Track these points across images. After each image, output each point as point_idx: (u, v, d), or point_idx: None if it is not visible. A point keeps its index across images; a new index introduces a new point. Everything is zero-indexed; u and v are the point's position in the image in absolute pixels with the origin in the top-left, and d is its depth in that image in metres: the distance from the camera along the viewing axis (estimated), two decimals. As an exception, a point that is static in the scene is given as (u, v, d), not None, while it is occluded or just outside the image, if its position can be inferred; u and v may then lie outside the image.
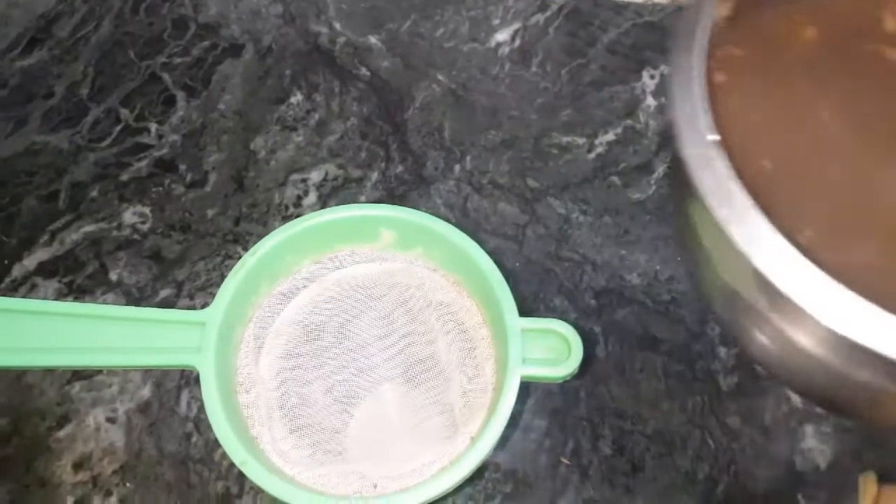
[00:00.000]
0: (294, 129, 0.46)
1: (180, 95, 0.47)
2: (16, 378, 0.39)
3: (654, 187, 0.43)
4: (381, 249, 0.37)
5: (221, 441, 0.30)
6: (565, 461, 0.37)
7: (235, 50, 0.49)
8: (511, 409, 0.31)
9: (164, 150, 0.46)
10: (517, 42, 0.49)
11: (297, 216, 0.43)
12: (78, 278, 0.42)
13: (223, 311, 0.32)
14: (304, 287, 0.36)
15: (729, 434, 0.37)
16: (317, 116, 0.47)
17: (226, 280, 0.33)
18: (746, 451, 0.37)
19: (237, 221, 0.44)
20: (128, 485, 0.37)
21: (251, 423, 0.32)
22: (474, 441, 0.31)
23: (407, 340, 0.35)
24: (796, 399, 0.37)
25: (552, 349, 0.33)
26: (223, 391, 0.31)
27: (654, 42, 0.48)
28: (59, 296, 0.42)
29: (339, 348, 0.35)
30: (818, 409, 0.37)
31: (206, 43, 0.49)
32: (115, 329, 0.31)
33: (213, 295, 0.41)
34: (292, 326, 0.35)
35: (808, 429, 0.37)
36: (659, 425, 0.37)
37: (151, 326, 0.32)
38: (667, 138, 0.44)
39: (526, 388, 0.35)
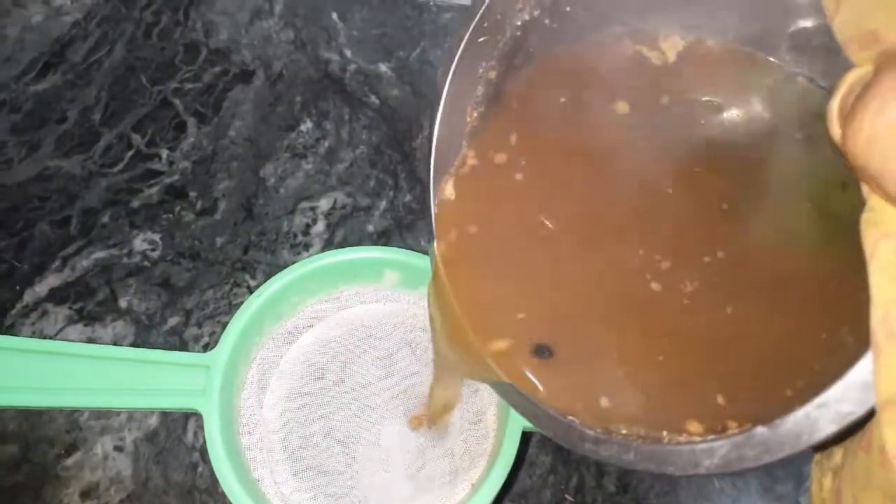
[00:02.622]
0: (304, 156, 0.47)
1: (191, 122, 0.48)
2: (26, 405, 0.40)
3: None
4: (386, 289, 0.37)
5: (224, 488, 0.30)
6: (569, 498, 0.37)
7: (246, 76, 0.49)
8: (513, 461, 0.31)
9: (175, 177, 0.46)
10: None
11: (305, 244, 0.44)
12: (88, 305, 0.43)
13: (228, 353, 0.33)
14: (308, 327, 0.36)
15: (735, 474, 0.37)
16: (326, 144, 0.47)
17: (231, 322, 0.33)
18: (751, 491, 0.37)
19: (246, 249, 0.44)
20: (134, 515, 0.37)
21: (254, 466, 0.33)
22: (475, 489, 0.31)
23: (410, 381, 0.35)
24: (802, 439, 0.37)
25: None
26: (226, 434, 0.31)
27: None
28: (70, 322, 0.42)
29: (341, 388, 0.35)
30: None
31: (217, 69, 0.49)
32: (119, 370, 0.31)
33: (220, 323, 0.42)
34: (296, 366, 0.36)
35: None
36: (663, 464, 0.37)
37: (155, 368, 0.32)
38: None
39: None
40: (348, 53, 0.50)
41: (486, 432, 0.34)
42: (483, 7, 0.28)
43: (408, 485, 0.33)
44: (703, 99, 0.30)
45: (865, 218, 0.19)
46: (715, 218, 0.29)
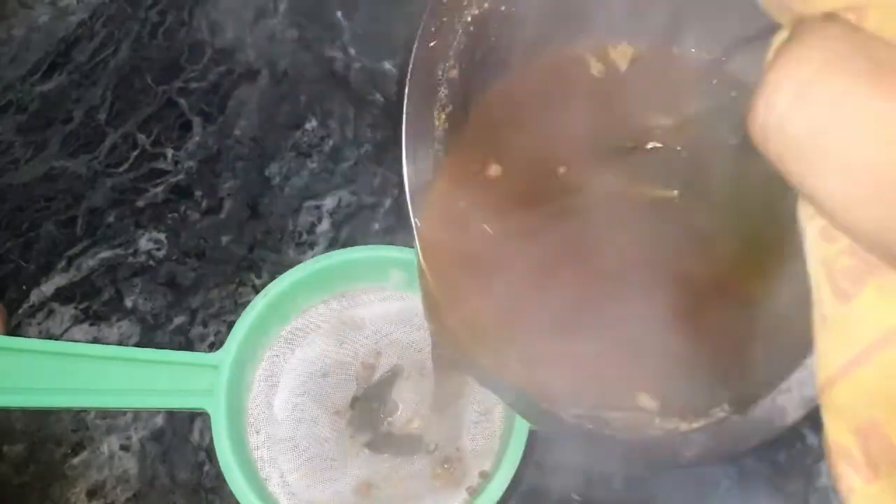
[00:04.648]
0: (308, 155, 0.46)
1: (196, 121, 0.48)
2: (32, 404, 0.40)
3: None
4: (393, 289, 0.37)
5: (232, 487, 0.30)
6: (576, 497, 0.37)
7: (251, 75, 0.49)
8: (520, 459, 0.30)
9: (180, 176, 0.46)
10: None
11: (311, 243, 0.44)
12: (94, 305, 0.43)
13: (235, 353, 0.33)
14: (315, 326, 0.36)
15: (743, 472, 0.37)
16: (331, 143, 0.47)
17: (237, 322, 0.33)
18: (760, 489, 0.37)
19: (251, 248, 0.44)
20: (140, 514, 0.37)
21: (260, 465, 0.33)
22: (483, 486, 0.31)
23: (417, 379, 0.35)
24: (812, 438, 0.37)
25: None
26: (234, 434, 0.31)
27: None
28: (76, 322, 0.42)
29: (348, 387, 0.35)
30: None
31: (222, 68, 0.49)
32: (128, 370, 0.31)
33: (226, 323, 0.42)
34: (303, 365, 0.36)
35: (823, 468, 0.37)
36: (671, 462, 0.37)
37: (163, 368, 0.32)
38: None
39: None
40: (353, 52, 0.50)
41: (494, 430, 0.34)
42: (426, 12, 0.28)
43: (416, 482, 0.33)
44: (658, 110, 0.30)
45: (801, 198, 0.19)
46: (675, 232, 0.29)
